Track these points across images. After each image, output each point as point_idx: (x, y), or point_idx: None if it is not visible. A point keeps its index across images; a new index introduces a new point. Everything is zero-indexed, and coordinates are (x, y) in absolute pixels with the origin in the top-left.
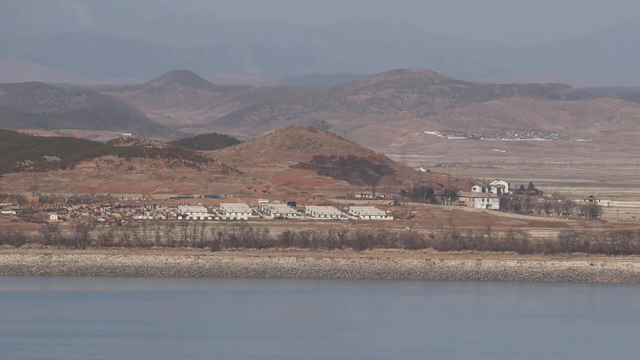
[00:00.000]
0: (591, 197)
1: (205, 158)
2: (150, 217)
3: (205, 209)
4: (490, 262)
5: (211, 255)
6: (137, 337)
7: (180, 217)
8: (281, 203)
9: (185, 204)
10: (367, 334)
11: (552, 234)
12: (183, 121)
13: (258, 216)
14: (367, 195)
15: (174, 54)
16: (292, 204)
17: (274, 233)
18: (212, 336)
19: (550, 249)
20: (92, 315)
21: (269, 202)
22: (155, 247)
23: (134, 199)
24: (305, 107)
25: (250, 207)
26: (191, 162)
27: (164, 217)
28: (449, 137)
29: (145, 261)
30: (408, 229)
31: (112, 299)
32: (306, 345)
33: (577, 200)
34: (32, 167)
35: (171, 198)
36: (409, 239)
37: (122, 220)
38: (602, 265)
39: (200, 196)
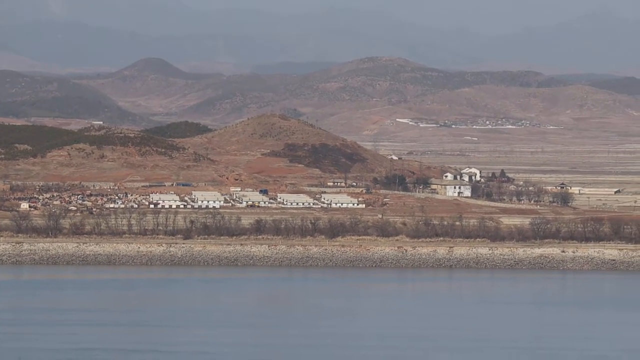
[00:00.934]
0: (562, 184)
1: (177, 146)
2: (122, 206)
3: (177, 197)
4: (462, 250)
5: (183, 244)
6: (111, 325)
7: (152, 206)
8: (253, 191)
9: (157, 192)
10: (340, 321)
11: (524, 222)
12: (155, 109)
13: (230, 204)
14: (339, 183)
15: (145, 42)
16: (264, 192)
17: (246, 221)
18: (185, 325)
19: (521, 236)
20: (65, 305)
21: (241, 190)
22: (127, 235)
23: (105, 188)
24: (277, 95)
25: (222, 195)
26: (163, 150)
27: (136, 206)
28: (420, 125)
29: (117, 249)
30: (380, 216)
31: (84, 288)
32: (279, 333)
33: (549, 188)
34: (2, 156)
35: (143, 186)
36: (381, 226)
37: (94, 209)
38: (574, 252)
39: (172, 184)
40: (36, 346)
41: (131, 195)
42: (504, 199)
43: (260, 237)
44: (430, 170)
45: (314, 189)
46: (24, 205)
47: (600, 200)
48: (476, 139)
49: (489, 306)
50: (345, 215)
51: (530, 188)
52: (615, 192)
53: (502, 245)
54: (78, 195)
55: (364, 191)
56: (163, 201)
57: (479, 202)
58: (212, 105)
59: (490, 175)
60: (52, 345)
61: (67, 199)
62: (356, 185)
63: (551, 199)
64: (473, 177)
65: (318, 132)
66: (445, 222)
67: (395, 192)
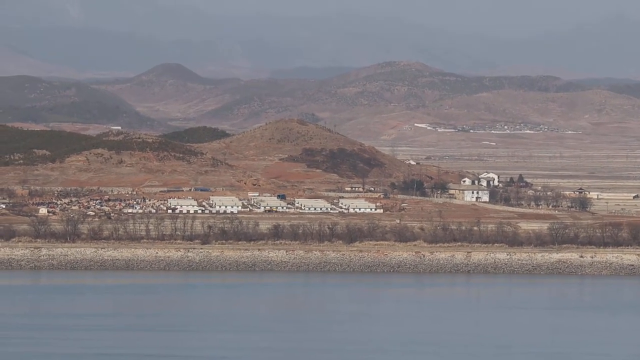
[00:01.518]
0: (581, 189)
1: (195, 151)
2: (140, 211)
3: (195, 202)
4: (480, 255)
5: (201, 249)
6: (129, 330)
7: (169, 211)
8: (271, 196)
9: (175, 197)
10: (358, 326)
11: (542, 227)
12: (173, 114)
13: (248, 209)
14: (357, 188)
15: (163, 47)
16: (282, 197)
17: (264, 226)
18: (203, 329)
19: (540, 241)
20: (83, 309)
21: (258, 195)
22: (145, 240)
23: (123, 193)
24: (295, 100)
25: (240, 200)
26: (181, 155)
27: (154, 211)
28: (438, 130)
29: (135, 254)
30: (398, 221)
31: (102, 293)
32: (297, 338)
33: (567, 193)
34: (21, 161)
35: (161, 191)
36: (398, 231)
37: (112, 214)
38: (592, 257)
39: (190, 189)
40: (54, 351)
41: (149, 200)
42: (522, 204)
43: (278, 242)
44: (448, 175)
45: (331, 194)
46: (43, 211)
47: (618, 205)
48: (494, 143)
49: (507, 311)
50: (363, 221)
51: (549, 193)
52: (634, 197)
53: (520, 250)
54: (96, 200)
55: (382, 196)
56: (181, 206)
57: (497, 207)
58: (230, 110)
59: (508, 180)
60: (71, 350)
61: (86, 204)
62: (374, 190)
63: (569, 204)
64: (491, 182)
65: (336, 137)
66: (463, 227)
67: (413, 197)
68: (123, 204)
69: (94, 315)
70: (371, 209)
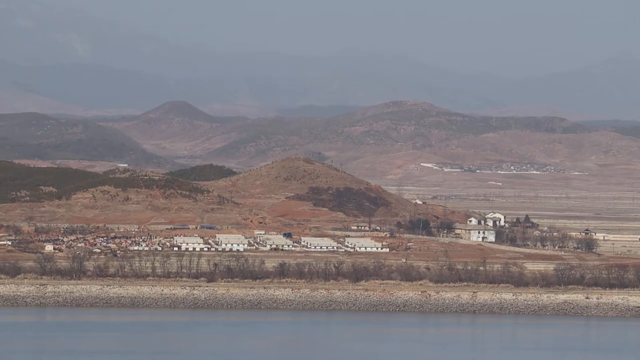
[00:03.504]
0: (587, 230)
1: (201, 189)
2: (146, 248)
3: (201, 240)
4: (486, 295)
5: (207, 286)
6: None
7: (175, 248)
8: (277, 234)
9: (181, 234)
10: None
11: (548, 267)
12: (179, 152)
13: (254, 247)
14: (363, 227)
15: (170, 85)
16: (288, 235)
17: (270, 264)
18: None
19: (546, 282)
20: (88, 346)
21: (264, 234)
22: (150, 277)
23: (129, 230)
24: (301, 139)
25: (246, 238)
26: (187, 193)
27: (160, 248)
28: (445, 170)
29: (141, 292)
30: (404, 261)
31: (107, 330)
32: None
33: (573, 233)
34: (27, 198)
35: (167, 229)
36: (404, 271)
37: (118, 251)
38: (598, 299)
39: (196, 227)
40: None
41: (155, 237)
42: (528, 245)
43: (284, 280)
44: (454, 215)
45: (337, 232)
46: (49, 247)
47: (624, 246)
48: (500, 184)
49: (513, 352)
50: (369, 259)
51: (555, 234)
52: None
53: (526, 290)
54: (102, 237)
55: (388, 235)
56: (187, 244)
57: (503, 247)
58: (237, 149)
59: (514, 220)
60: None
61: (92, 241)
62: (380, 229)
63: (575, 245)
64: (497, 222)
65: (342, 176)
66: (469, 267)
67: (419, 236)
68: (129, 242)
69: (100, 352)
70: (377, 248)
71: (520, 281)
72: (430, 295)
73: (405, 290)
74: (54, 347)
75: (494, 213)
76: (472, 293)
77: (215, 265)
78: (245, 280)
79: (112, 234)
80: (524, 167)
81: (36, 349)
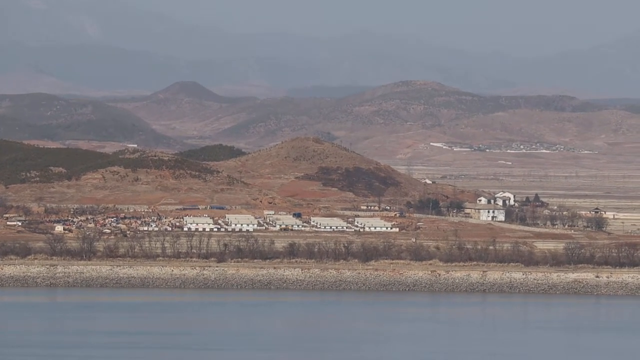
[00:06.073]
0: (597, 209)
1: (211, 169)
2: (156, 229)
3: (211, 220)
4: (495, 274)
5: (217, 267)
6: (144, 348)
7: (185, 229)
8: (287, 214)
9: (190, 215)
10: (373, 345)
11: (558, 246)
12: (189, 132)
13: (264, 227)
14: (372, 207)
15: (180, 66)
16: (297, 215)
17: (280, 244)
18: (219, 348)
19: (555, 261)
20: (98, 327)
21: (274, 214)
22: (160, 258)
23: (139, 211)
24: (310, 119)
25: (255, 218)
26: (197, 173)
27: (170, 229)
28: (454, 149)
29: (151, 272)
30: (414, 240)
31: (117, 311)
32: (313, 357)
33: (583, 212)
34: (37, 178)
35: (177, 209)
36: (414, 250)
37: (128, 232)
38: (608, 278)
39: (206, 207)
40: None
41: (165, 218)
42: (538, 224)
43: (294, 260)
44: (464, 194)
45: (347, 212)
46: (59, 228)
47: (634, 225)
48: (510, 163)
49: (523, 331)
50: (379, 239)
51: (564, 213)
52: None
53: (535, 269)
54: (112, 218)
55: (398, 215)
56: (197, 224)
57: (513, 226)
58: (246, 129)
59: (524, 199)
60: None
61: (102, 221)
62: (390, 209)
63: (585, 224)
64: (507, 202)
65: (352, 156)
66: (479, 247)
67: (429, 216)
68: (139, 222)
69: (110, 333)
70: (387, 228)
71: (530, 260)
72: (440, 275)
73: (415, 270)
74: (65, 328)
75: (504, 192)
76: (482, 272)
77: (225, 245)
78: (255, 261)
79: (122, 215)
80: (533, 146)
81: (47, 329)
